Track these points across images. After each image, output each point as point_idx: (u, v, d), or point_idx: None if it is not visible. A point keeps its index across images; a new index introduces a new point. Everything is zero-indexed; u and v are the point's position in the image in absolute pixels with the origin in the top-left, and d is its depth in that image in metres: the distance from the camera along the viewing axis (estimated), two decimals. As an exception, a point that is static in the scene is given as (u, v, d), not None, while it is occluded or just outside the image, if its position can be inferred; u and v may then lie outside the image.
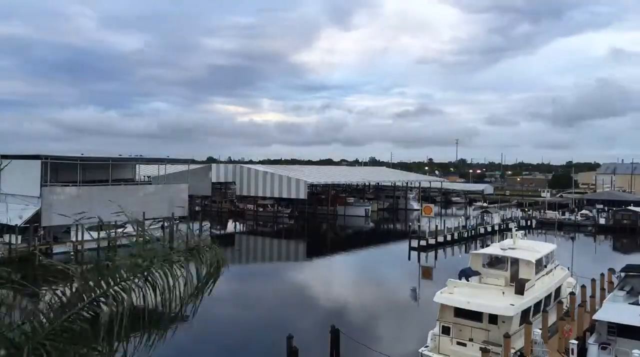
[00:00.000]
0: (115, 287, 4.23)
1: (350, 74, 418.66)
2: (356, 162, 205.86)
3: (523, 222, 74.37)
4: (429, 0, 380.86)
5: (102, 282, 4.26)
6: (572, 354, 19.72)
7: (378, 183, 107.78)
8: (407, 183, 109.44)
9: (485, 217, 72.10)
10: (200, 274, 4.60)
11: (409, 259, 52.44)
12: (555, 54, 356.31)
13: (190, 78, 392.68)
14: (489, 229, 66.87)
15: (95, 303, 4.17)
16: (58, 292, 4.28)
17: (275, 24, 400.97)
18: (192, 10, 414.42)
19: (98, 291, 4.21)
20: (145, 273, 4.33)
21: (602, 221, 75.47)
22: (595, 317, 21.14)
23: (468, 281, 23.66)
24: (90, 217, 6.81)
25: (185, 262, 4.59)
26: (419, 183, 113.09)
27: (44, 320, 4.15)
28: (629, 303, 22.19)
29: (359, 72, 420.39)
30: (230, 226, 79.69)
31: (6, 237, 42.93)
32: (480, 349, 18.93)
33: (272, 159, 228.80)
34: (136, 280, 4.31)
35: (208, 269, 4.63)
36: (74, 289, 4.28)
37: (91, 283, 4.27)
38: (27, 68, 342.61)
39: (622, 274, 26.86)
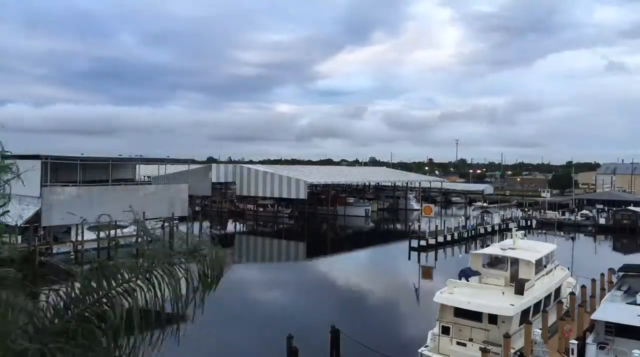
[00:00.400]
0: (118, 289, 4.25)
1: (365, 82, 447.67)
2: (356, 162, 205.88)
3: (523, 222, 74.39)
4: (441, 24, 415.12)
5: (105, 283, 4.28)
6: (572, 354, 19.74)
7: (378, 183, 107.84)
8: (407, 183, 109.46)
9: (485, 217, 72.17)
10: (202, 275, 4.62)
11: (409, 259, 52.46)
12: (549, 65, 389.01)
13: (211, 85, 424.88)
14: (489, 229, 66.89)
15: (98, 304, 4.19)
16: (60, 292, 4.30)
17: (300, 40, 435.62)
18: (226, 28, 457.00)
19: (101, 292, 4.23)
20: (147, 275, 4.35)
21: (602, 221, 75.50)
22: (593, 317, 21.17)
23: (468, 281, 23.69)
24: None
25: (187, 263, 4.61)
26: (419, 183, 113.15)
27: (47, 321, 4.16)
28: (627, 303, 22.24)
29: (373, 80, 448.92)
30: (230, 226, 79.71)
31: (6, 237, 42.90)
32: (480, 349, 18.95)
33: (272, 159, 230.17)
34: (138, 281, 4.34)
35: (211, 271, 4.65)
36: (76, 290, 4.30)
37: (93, 284, 4.29)
38: (64, 77, 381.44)
39: (620, 274, 26.91)
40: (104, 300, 4.19)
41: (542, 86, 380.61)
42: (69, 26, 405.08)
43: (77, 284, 4.38)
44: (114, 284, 4.28)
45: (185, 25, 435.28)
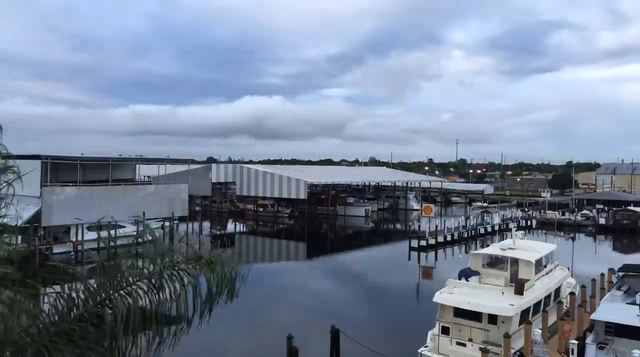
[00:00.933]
0: (121, 291, 4.24)
1: (380, 90, 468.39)
2: (356, 162, 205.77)
3: (523, 222, 74.39)
4: (455, 45, 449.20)
5: (108, 285, 4.28)
6: (572, 354, 19.75)
7: (378, 183, 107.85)
8: (407, 183, 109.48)
9: (485, 217, 72.14)
10: (212, 284, 4.61)
11: (409, 259, 52.46)
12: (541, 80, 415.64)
13: (234, 91, 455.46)
14: (489, 229, 66.91)
15: (100, 306, 4.19)
16: (63, 294, 4.30)
17: (325, 55, 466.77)
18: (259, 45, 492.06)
19: (103, 294, 4.23)
20: (153, 280, 4.35)
21: (602, 221, 75.46)
22: (592, 317, 21.16)
23: (468, 281, 23.68)
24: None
25: (194, 270, 4.60)
26: (419, 183, 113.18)
27: (48, 322, 4.16)
28: (627, 303, 22.22)
29: (388, 89, 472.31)
30: (230, 226, 79.72)
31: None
32: (480, 349, 18.95)
33: (272, 159, 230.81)
34: (142, 285, 4.33)
35: (220, 281, 4.65)
36: (80, 292, 4.30)
37: (97, 286, 4.29)
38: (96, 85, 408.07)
39: (620, 274, 26.91)
40: (107, 302, 4.18)
41: (541, 93, 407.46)
42: (114, 44, 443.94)
43: (80, 286, 4.38)
44: (117, 287, 4.28)
45: (226, 45, 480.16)
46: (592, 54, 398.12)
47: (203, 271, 4.64)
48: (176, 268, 4.49)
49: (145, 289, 4.32)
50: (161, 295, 4.36)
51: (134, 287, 4.29)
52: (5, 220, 5.18)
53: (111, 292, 4.24)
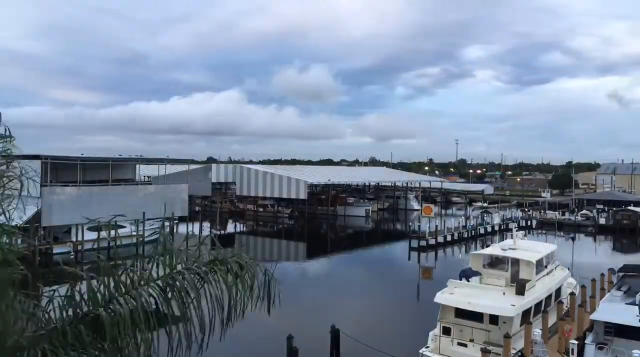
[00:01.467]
0: (127, 295, 4.17)
1: (391, 98, 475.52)
2: (356, 162, 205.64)
3: (523, 223, 74.39)
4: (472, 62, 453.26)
5: (113, 287, 4.21)
6: (572, 354, 19.75)
7: (378, 183, 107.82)
8: (407, 183, 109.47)
9: (485, 218, 72.14)
10: (231, 287, 4.43)
11: (409, 259, 52.44)
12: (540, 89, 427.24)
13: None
14: (489, 229, 66.89)
15: (102, 308, 4.14)
16: (64, 294, 4.26)
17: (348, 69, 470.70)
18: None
19: (107, 296, 4.16)
20: (161, 283, 4.26)
21: (602, 221, 75.45)
22: (592, 317, 21.17)
23: (468, 281, 23.67)
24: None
25: (211, 273, 4.43)
26: (419, 183, 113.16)
27: (51, 323, 4.13)
28: (626, 303, 22.21)
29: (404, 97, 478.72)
30: (230, 226, 79.68)
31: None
32: (481, 349, 18.94)
33: (272, 159, 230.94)
34: (150, 290, 4.25)
35: (236, 283, 4.44)
36: (82, 292, 4.26)
37: (101, 288, 4.23)
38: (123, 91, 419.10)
39: (620, 274, 26.91)
40: (110, 305, 4.12)
41: (541, 98, 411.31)
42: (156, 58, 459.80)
43: (82, 286, 4.33)
44: (123, 290, 4.21)
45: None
46: (585, 69, 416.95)
47: (220, 275, 4.45)
48: (188, 272, 4.35)
49: (154, 294, 4.22)
50: (171, 300, 4.25)
51: (139, 290, 4.21)
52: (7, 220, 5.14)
53: (116, 294, 4.17)
